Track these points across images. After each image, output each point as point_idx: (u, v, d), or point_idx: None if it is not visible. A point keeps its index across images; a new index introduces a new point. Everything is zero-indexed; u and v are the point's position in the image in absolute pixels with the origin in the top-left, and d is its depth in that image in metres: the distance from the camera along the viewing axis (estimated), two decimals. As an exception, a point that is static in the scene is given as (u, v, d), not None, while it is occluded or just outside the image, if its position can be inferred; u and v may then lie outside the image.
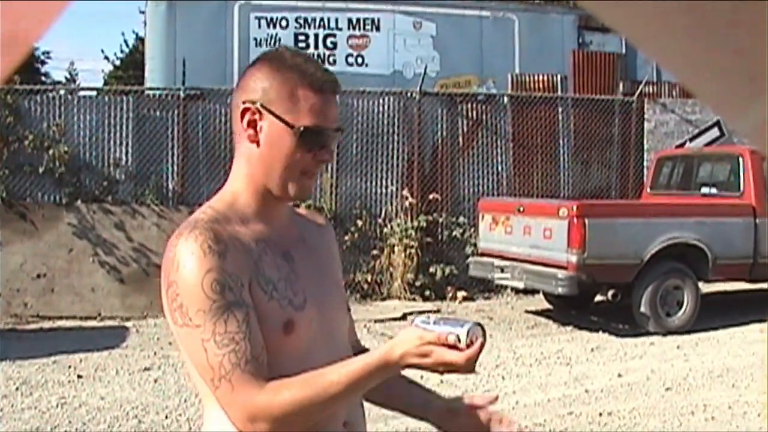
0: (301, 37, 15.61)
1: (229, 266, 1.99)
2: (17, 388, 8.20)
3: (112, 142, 13.32)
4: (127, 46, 29.51)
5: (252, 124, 2.08)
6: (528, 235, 11.42)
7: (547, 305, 12.70)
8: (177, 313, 1.98)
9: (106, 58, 33.71)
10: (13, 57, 0.56)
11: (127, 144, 13.34)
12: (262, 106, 2.06)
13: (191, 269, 1.96)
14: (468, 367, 1.89)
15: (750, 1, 0.49)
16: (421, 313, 12.28)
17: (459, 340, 1.86)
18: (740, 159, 12.13)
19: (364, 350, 2.26)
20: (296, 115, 2.04)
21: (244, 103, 2.09)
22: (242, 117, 2.09)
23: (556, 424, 7.31)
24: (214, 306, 1.94)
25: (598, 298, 12.15)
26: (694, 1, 0.50)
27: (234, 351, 1.94)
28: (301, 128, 2.03)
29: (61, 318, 11.75)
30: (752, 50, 0.51)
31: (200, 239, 1.98)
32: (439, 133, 14.55)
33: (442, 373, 1.93)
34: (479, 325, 1.92)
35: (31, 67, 25.72)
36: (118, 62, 29.72)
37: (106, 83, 27.10)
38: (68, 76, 33.01)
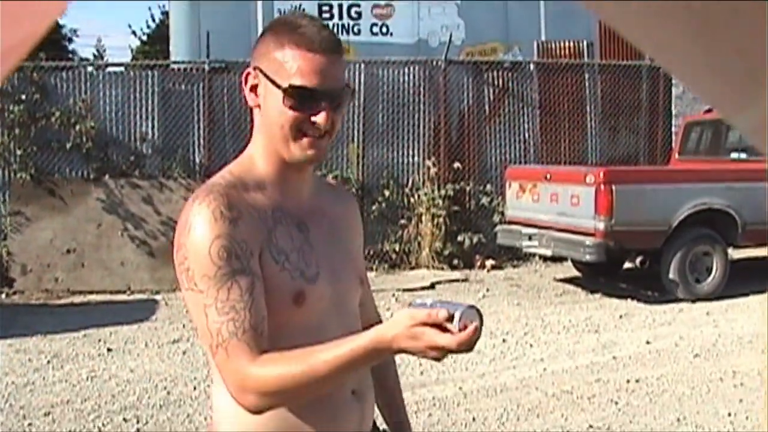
0: (325, 8, 15.55)
1: (240, 234, 1.98)
2: (48, 362, 8.28)
3: (138, 116, 13.36)
4: (154, 20, 29.55)
5: (254, 88, 2.09)
6: (555, 202, 11.36)
7: (575, 273, 12.66)
8: (184, 276, 1.99)
9: (134, 33, 33.74)
10: (13, 59, 0.56)
11: (153, 118, 13.38)
12: (258, 69, 2.06)
13: (201, 234, 1.96)
14: (461, 351, 1.79)
15: (750, 1, 0.49)
16: (448, 281, 12.29)
17: (451, 321, 1.77)
18: (770, 122, 12.00)
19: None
20: (285, 75, 2.01)
21: (248, 68, 2.09)
22: (246, 82, 2.09)
23: (583, 391, 7.29)
24: (219, 273, 1.94)
25: (627, 265, 12.09)
26: (694, 0, 0.50)
27: (233, 319, 1.93)
28: (288, 86, 2.01)
29: (91, 292, 11.83)
30: (752, 50, 0.50)
31: (213, 204, 1.98)
32: (465, 102, 14.47)
33: (434, 358, 1.84)
34: (474, 307, 1.82)
35: (57, 45, 25.80)
36: (145, 37, 29.76)
37: (133, 58, 27.14)
38: (96, 53, 33.06)
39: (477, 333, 1.79)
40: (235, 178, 2.10)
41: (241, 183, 2.08)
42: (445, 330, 1.78)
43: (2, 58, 0.54)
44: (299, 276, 2.07)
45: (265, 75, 2.04)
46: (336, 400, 2.15)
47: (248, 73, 2.08)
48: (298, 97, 2.01)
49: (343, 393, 2.17)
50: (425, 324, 1.79)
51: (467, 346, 1.79)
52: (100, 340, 9.05)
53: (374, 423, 2.41)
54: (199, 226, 1.97)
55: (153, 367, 8.06)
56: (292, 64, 2.00)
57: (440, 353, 1.81)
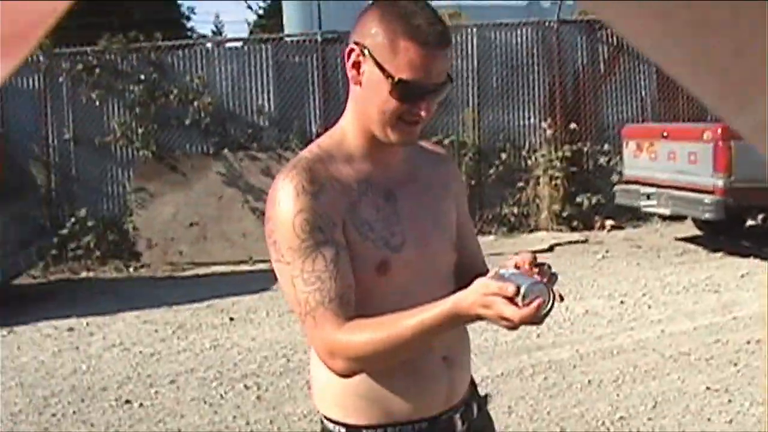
0: (437, -27, 15.48)
1: (322, 207, 2.06)
2: (173, 332, 8.55)
3: (254, 90, 13.57)
4: (269, -6, 29.85)
5: (356, 65, 2.12)
6: (673, 160, 11.17)
7: (697, 232, 12.44)
8: (272, 248, 2.09)
9: (249, 7, 34.13)
10: (15, 56, 0.57)
11: (269, 91, 13.57)
12: (366, 50, 2.09)
13: (286, 208, 2.05)
14: (524, 323, 1.86)
15: (750, 0, 0.49)
16: (567, 243, 12.22)
17: (518, 295, 1.84)
18: None
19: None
20: (395, 66, 2.05)
21: (352, 43, 2.13)
22: (348, 56, 2.13)
23: (701, 353, 7.20)
24: (303, 245, 2.03)
25: (750, 222, 11.83)
26: (694, 0, 0.50)
27: (319, 289, 2.03)
28: (398, 80, 2.05)
29: (214, 264, 12.12)
30: (752, 50, 0.50)
31: (296, 179, 2.07)
32: (580, 61, 14.27)
33: (508, 328, 1.90)
34: (542, 283, 1.87)
35: (177, 24, 26.28)
36: (261, 11, 30.07)
37: (251, 33, 27.49)
38: (214, 29, 33.59)
39: (541, 309, 1.85)
40: (322, 152, 2.18)
41: (329, 156, 2.16)
42: (513, 302, 1.84)
43: (4, 49, 0.55)
44: (383, 245, 2.14)
45: (374, 58, 2.07)
46: (426, 365, 2.22)
47: (352, 49, 2.12)
48: (406, 91, 2.06)
49: (432, 359, 2.23)
50: (496, 294, 1.86)
51: (530, 320, 1.85)
52: (222, 310, 9.29)
53: (475, 388, 2.46)
54: (283, 200, 2.06)
55: (273, 336, 8.25)
56: (403, 56, 2.04)
57: (509, 323, 1.87)
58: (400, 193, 2.23)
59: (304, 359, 7.42)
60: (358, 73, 2.12)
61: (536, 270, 1.95)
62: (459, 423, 2.33)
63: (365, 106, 2.13)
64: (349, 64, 2.13)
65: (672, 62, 0.55)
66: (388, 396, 2.21)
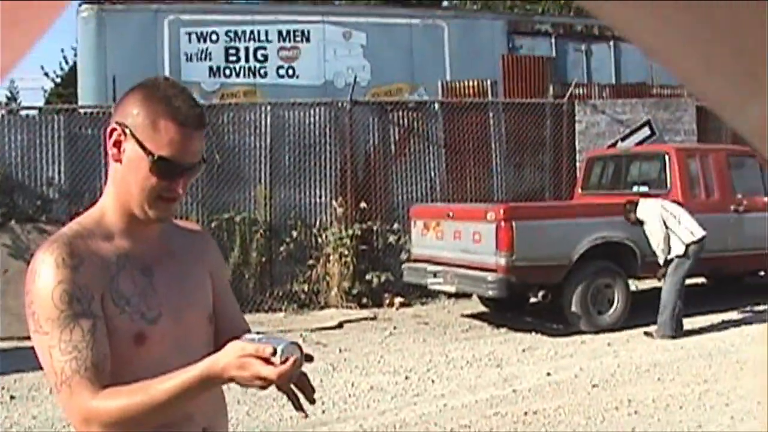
0: (232, 51, 15.63)
1: (81, 279, 2.09)
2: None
3: (44, 161, 13.27)
4: (67, 62, 29.25)
5: (117, 144, 2.18)
6: (458, 239, 11.53)
7: (483, 308, 12.82)
8: (31, 319, 2.10)
9: (46, 74, 33.29)
10: (13, 57, 0.58)
11: (59, 163, 13.30)
12: (128, 129, 2.15)
13: (45, 280, 2.08)
14: (281, 382, 1.97)
15: (750, 0, 0.50)
16: (355, 320, 12.36)
17: (274, 354, 1.95)
18: (666, 157, 12.37)
19: None
20: (156, 144, 2.13)
21: (114, 123, 2.18)
22: (110, 136, 2.18)
23: (482, 425, 7.41)
24: (62, 316, 2.06)
25: (533, 299, 12.28)
26: (694, 0, 0.50)
27: (75, 358, 2.05)
28: (158, 157, 2.13)
29: (-4, 340, 11.68)
30: (752, 50, 0.51)
31: (56, 252, 2.09)
32: (371, 142, 14.62)
33: (260, 387, 2.00)
34: (296, 343, 2.02)
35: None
36: (58, 80, 29.44)
37: (47, 102, 26.88)
38: (9, 95, 32.67)
39: (296, 366, 1.96)
40: (82, 228, 2.21)
41: (88, 232, 2.20)
42: (269, 362, 1.94)
43: (4, 48, 0.55)
44: (139, 318, 2.18)
45: (135, 137, 2.14)
46: None
47: (114, 129, 2.18)
48: (165, 168, 2.15)
49: (191, 429, 2.26)
50: (252, 356, 1.95)
51: (287, 378, 1.97)
52: (3, 387, 8.96)
53: None
54: (43, 272, 2.08)
55: (56, 414, 7.98)
56: (164, 135, 2.13)
57: (264, 383, 1.97)
58: (156, 268, 2.29)
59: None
60: (119, 151, 2.18)
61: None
62: None
63: (125, 183, 2.19)
64: (110, 143, 2.19)
65: (672, 62, 0.55)
66: None
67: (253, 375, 1.95)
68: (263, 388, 2.00)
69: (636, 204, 11.01)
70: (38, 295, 2.08)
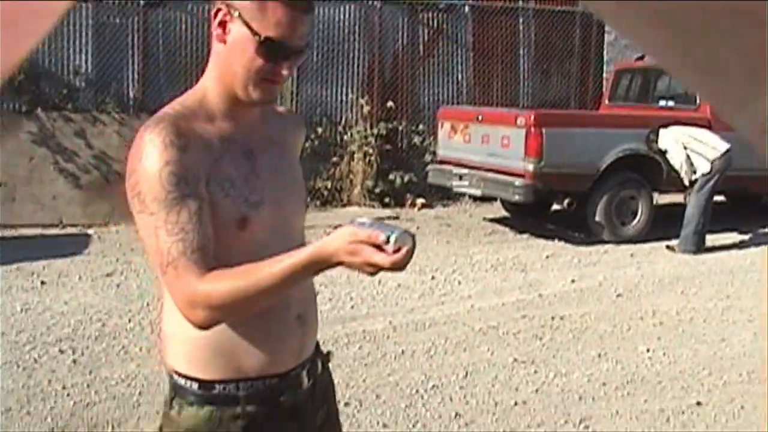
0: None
1: (188, 160, 2.12)
2: (-19, 294, 8.30)
3: (71, 50, 13.17)
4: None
5: (222, 24, 2.19)
6: (486, 143, 11.55)
7: (504, 213, 12.89)
8: (136, 199, 2.12)
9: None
10: (13, 57, 0.57)
11: (87, 52, 13.21)
12: (234, 9, 2.16)
13: (152, 160, 2.09)
14: (393, 271, 1.98)
15: (750, 0, 0.49)
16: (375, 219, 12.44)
17: (387, 242, 1.95)
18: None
19: None
20: (263, 25, 2.13)
21: (220, 3, 2.19)
22: (215, 16, 2.20)
23: (509, 327, 7.53)
24: (169, 196, 2.08)
25: (555, 207, 12.33)
26: (693, 0, 0.49)
27: (182, 240, 2.08)
28: (264, 38, 2.14)
29: (23, 226, 11.77)
30: (752, 50, 0.50)
31: (163, 133, 2.11)
32: (400, 42, 14.53)
33: (369, 274, 2.01)
34: (408, 232, 2.00)
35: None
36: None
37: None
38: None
39: (408, 255, 1.98)
40: (185, 109, 2.23)
41: (191, 113, 2.22)
42: (380, 250, 1.96)
43: (4, 49, 0.55)
44: (243, 202, 2.22)
45: (241, 17, 2.15)
46: (281, 323, 2.31)
47: (219, 9, 2.18)
48: (272, 49, 2.15)
49: (288, 317, 2.33)
50: (364, 242, 1.97)
51: (399, 266, 1.97)
52: (33, 273, 9.05)
53: (318, 346, 2.57)
54: (150, 153, 2.10)
55: (87, 300, 8.11)
56: (271, 16, 2.13)
57: (374, 269, 1.99)
58: (258, 152, 2.32)
59: (120, 324, 7.37)
60: (224, 31, 2.19)
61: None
62: (305, 379, 2.43)
63: (229, 63, 2.21)
64: (215, 23, 2.20)
65: (673, 61, 0.55)
66: (242, 351, 2.28)
67: (364, 261, 1.97)
68: (372, 274, 2.02)
69: (657, 133, 11.00)
70: (145, 176, 2.09)
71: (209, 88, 2.27)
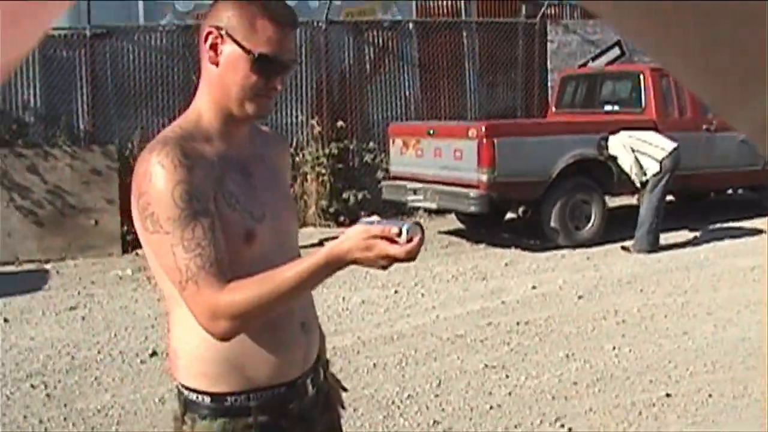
0: (204, -29, 15.48)
1: (197, 179, 2.20)
2: (-56, 334, 8.24)
3: (19, 84, 13.11)
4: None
5: (214, 47, 2.29)
6: (439, 157, 11.68)
7: (459, 225, 13.01)
8: (148, 220, 2.19)
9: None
10: (13, 57, 0.57)
11: (35, 86, 13.17)
12: (224, 31, 2.26)
13: (163, 181, 2.17)
14: (408, 259, 2.08)
15: (750, 0, 0.49)
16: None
17: (400, 235, 2.07)
18: (641, 76, 12.52)
19: None
20: (255, 43, 2.24)
21: (209, 27, 2.29)
22: (206, 40, 2.29)
23: (476, 334, 7.64)
24: (183, 214, 2.16)
25: (509, 215, 12.49)
26: (693, 0, 0.49)
27: (200, 255, 2.15)
28: (257, 54, 2.24)
29: (-22, 264, 11.69)
30: (752, 50, 0.50)
31: (171, 154, 2.19)
32: (347, 61, 14.64)
33: (382, 268, 2.12)
34: (418, 223, 2.14)
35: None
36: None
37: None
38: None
39: (420, 244, 2.09)
40: (184, 131, 2.31)
41: (190, 135, 2.30)
42: (393, 242, 2.07)
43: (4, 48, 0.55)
44: (249, 216, 2.31)
45: (232, 38, 2.26)
46: (286, 332, 2.40)
47: (210, 32, 2.28)
48: (266, 65, 2.26)
49: (292, 325, 2.41)
50: (378, 236, 2.07)
51: (412, 256, 2.08)
52: (-6, 311, 9.02)
53: (319, 356, 2.65)
54: (160, 174, 2.17)
55: (54, 334, 8.08)
56: (262, 34, 2.24)
57: (388, 262, 2.09)
58: (253, 168, 2.41)
59: (89, 356, 7.37)
60: (216, 53, 2.29)
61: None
62: (310, 387, 2.51)
63: (223, 84, 2.30)
64: (206, 47, 2.30)
65: (673, 62, 0.55)
66: (252, 363, 2.35)
67: (378, 255, 2.07)
68: (384, 268, 2.12)
69: (608, 140, 11.23)
70: (157, 196, 2.16)
71: (204, 109, 2.36)
